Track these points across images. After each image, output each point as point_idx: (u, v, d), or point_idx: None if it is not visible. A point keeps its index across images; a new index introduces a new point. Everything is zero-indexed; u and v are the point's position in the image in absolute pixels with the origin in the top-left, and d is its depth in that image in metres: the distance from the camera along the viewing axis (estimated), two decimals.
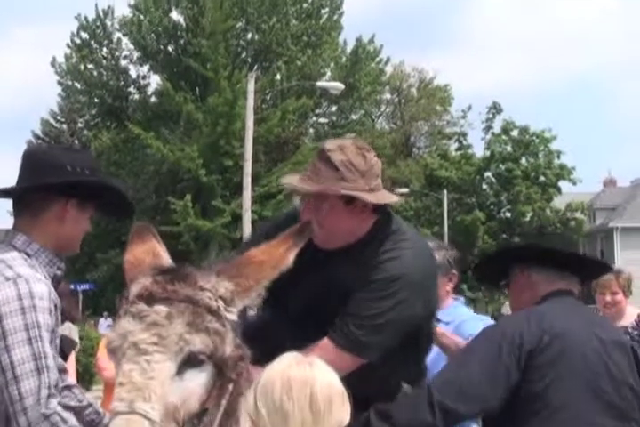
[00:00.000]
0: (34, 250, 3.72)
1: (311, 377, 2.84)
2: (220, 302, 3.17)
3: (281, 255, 3.37)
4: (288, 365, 2.88)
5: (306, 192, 4.06)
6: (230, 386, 3.08)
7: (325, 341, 3.87)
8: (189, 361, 3.00)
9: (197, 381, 3.00)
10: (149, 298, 3.10)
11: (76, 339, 9.09)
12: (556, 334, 4.14)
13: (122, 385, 2.93)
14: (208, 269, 3.30)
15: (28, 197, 3.78)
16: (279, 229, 3.49)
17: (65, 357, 8.24)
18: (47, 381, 3.48)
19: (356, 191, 3.99)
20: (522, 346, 4.10)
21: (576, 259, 4.75)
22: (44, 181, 3.71)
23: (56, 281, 3.80)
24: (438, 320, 5.05)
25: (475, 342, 4.46)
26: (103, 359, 8.64)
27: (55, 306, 3.63)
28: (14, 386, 3.44)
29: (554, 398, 4.08)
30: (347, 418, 2.84)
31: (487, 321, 5.40)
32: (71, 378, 8.52)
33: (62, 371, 3.84)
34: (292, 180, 4.14)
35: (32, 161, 3.83)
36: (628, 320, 7.43)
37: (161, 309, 3.05)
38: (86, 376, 23.43)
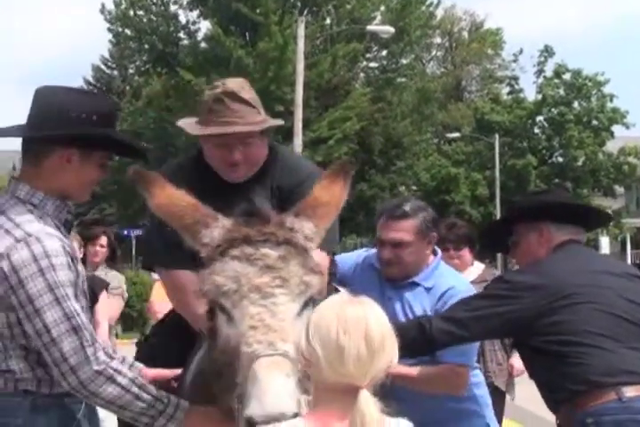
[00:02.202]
0: (38, 199, 3.68)
1: (365, 315, 2.89)
2: (309, 242, 3.32)
3: (340, 195, 3.61)
4: (341, 303, 2.93)
5: (251, 129, 4.22)
6: None
7: None
8: (307, 302, 3.15)
9: (307, 318, 3.07)
10: (248, 241, 3.19)
11: (114, 284, 9.07)
12: (560, 281, 4.41)
13: (254, 328, 3.01)
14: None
15: (29, 144, 3.75)
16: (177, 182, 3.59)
17: (95, 297, 8.27)
18: (87, 337, 3.47)
19: (273, 121, 4.49)
20: (527, 298, 4.39)
21: (581, 210, 5.08)
22: (41, 132, 3.67)
23: (68, 226, 3.79)
24: (418, 284, 5.11)
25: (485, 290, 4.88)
26: (157, 303, 8.65)
27: (72, 258, 3.59)
28: (54, 348, 3.43)
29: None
30: (396, 357, 2.92)
31: (471, 288, 5.36)
32: (103, 320, 8.62)
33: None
34: (196, 127, 4.34)
35: (38, 104, 3.76)
36: None
37: (269, 251, 3.16)
38: (140, 321, 23.70)
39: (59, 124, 3.63)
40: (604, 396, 4.10)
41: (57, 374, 3.45)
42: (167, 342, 4.24)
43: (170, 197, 3.48)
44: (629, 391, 4.08)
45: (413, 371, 4.87)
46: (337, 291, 4.17)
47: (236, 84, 4.36)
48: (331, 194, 3.58)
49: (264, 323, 3.03)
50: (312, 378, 2.89)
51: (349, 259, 5.41)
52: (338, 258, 5.46)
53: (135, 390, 3.46)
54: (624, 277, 4.58)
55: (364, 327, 2.84)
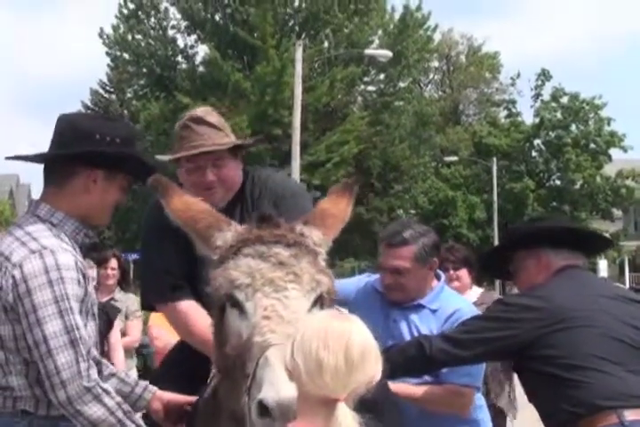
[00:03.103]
0: (58, 219, 3.71)
1: (348, 330, 2.88)
2: (318, 247, 3.43)
3: (345, 209, 3.78)
4: (326, 318, 2.94)
5: (217, 149, 4.34)
6: None
7: None
8: (317, 300, 3.26)
9: None
10: (261, 241, 3.30)
11: (133, 307, 9.10)
12: (559, 306, 4.41)
13: (268, 318, 3.10)
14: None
15: (54, 165, 3.78)
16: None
17: (111, 324, 8.33)
18: (83, 353, 3.48)
19: (240, 140, 4.61)
20: (524, 322, 4.40)
21: (580, 235, 5.01)
22: (67, 151, 3.72)
23: (85, 249, 3.83)
24: (423, 306, 5.12)
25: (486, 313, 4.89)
26: (155, 328, 8.60)
27: (84, 275, 3.63)
28: (50, 360, 3.44)
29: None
30: (378, 375, 2.91)
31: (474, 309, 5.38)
32: (119, 346, 8.62)
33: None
34: (168, 155, 4.56)
35: (62, 128, 3.81)
36: None
37: (281, 250, 3.26)
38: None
39: (85, 146, 3.68)
40: (606, 419, 4.08)
41: (47, 387, 3.45)
42: (175, 381, 4.18)
43: (186, 203, 3.62)
44: (630, 415, 4.06)
45: (418, 391, 4.89)
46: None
47: (202, 110, 4.56)
48: (337, 207, 3.73)
49: (277, 314, 3.10)
50: (297, 390, 2.87)
51: (350, 284, 5.43)
52: (337, 282, 5.48)
53: (120, 414, 3.47)
54: (621, 301, 4.58)
55: (344, 342, 2.84)
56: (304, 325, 2.93)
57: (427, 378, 4.95)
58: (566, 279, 4.66)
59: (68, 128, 3.78)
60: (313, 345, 2.83)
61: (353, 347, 2.86)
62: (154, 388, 3.93)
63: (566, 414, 4.21)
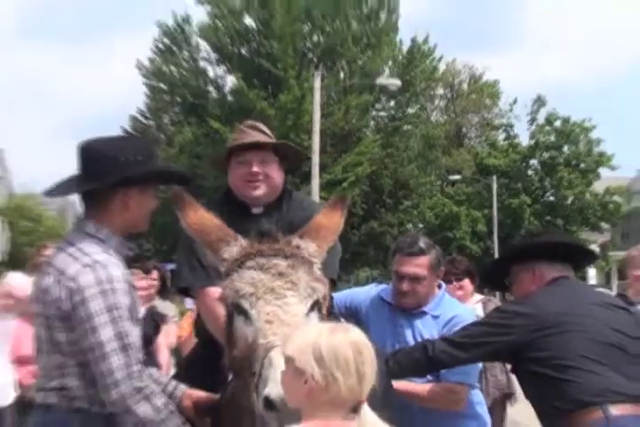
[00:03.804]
0: (104, 235, 3.75)
1: (365, 339, 2.93)
2: (313, 258, 3.48)
3: (338, 221, 3.81)
4: (341, 331, 2.91)
5: (261, 142, 4.49)
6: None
7: None
8: (314, 305, 3.30)
9: (315, 320, 3.28)
10: (261, 254, 3.37)
11: (171, 313, 9.15)
12: (552, 312, 4.43)
13: (270, 322, 3.15)
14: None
15: (90, 191, 3.81)
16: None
17: (158, 328, 8.41)
18: (133, 356, 3.52)
19: (284, 141, 4.73)
20: (521, 327, 4.43)
21: (570, 249, 4.99)
22: (100, 180, 3.71)
23: (127, 261, 3.87)
24: (426, 313, 5.15)
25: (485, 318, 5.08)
26: (186, 335, 8.59)
27: (131, 286, 3.68)
28: (103, 363, 3.47)
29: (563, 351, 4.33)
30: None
31: (473, 315, 5.49)
32: (164, 347, 8.65)
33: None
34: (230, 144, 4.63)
35: (87, 156, 3.81)
36: None
37: (280, 262, 3.32)
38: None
39: (114, 170, 3.69)
40: (592, 414, 4.11)
41: (101, 387, 3.49)
42: (198, 375, 4.22)
43: (200, 218, 3.69)
44: (614, 410, 4.09)
45: (417, 388, 4.93)
46: (334, 317, 4.30)
47: (255, 122, 4.70)
48: (330, 219, 3.77)
49: (279, 318, 3.19)
50: (312, 397, 2.84)
51: (362, 293, 5.47)
52: (351, 291, 5.59)
53: (165, 413, 3.51)
54: (607, 308, 4.60)
55: (369, 350, 2.90)
56: (320, 340, 2.88)
57: (429, 377, 4.99)
58: (557, 288, 4.69)
59: (92, 156, 3.77)
60: (349, 356, 2.83)
61: (372, 356, 2.91)
62: (184, 386, 3.95)
63: (557, 409, 4.24)
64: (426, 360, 4.57)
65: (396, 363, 4.61)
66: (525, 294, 4.77)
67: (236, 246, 3.55)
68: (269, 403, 2.98)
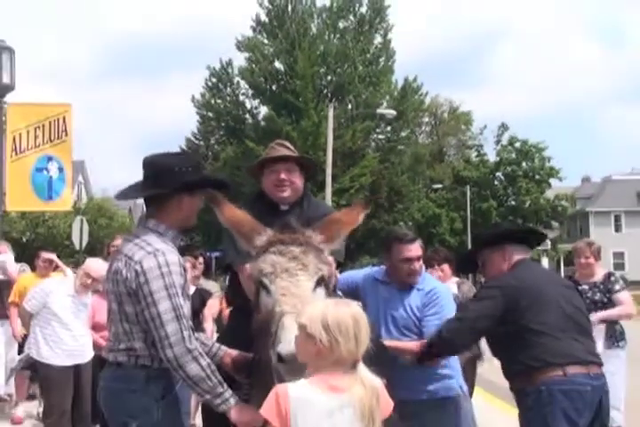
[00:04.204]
0: (163, 229, 3.74)
1: (362, 312, 2.99)
2: (322, 245, 3.49)
3: (355, 217, 3.75)
4: (343, 306, 2.98)
5: (287, 156, 4.49)
6: (330, 297, 3.40)
7: None
8: (318, 282, 3.31)
9: (321, 295, 3.32)
10: (282, 242, 3.40)
11: (214, 290, 9.15)
12: (529, 285, 4.35)
13: (284, 295, 3.20)
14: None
15: (152, 198, 3.81)
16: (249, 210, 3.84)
17: (205, 303, 8.38)
18: (185, 324, 3.49)
19: (306, 156, 4.76)
20: (509, 296, 4.30)
21: (528, 233, 4.91)
22: (160, 187, 3.72)
23: (181, 249, 3.91)
24: (412, 288, 5.05)
25: (477, 294, 4.75)
26: (227, 309, 8.57)
27: (184, 269, 3.66)
28: (162, 329, 3.46)
29: (535, 322, 4.24)
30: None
31: (447, 289, 5.42)
32: (209, 318, 8.62)
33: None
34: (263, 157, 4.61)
35: (150, 167, 3.81)
36: (596, 277, 7.53)
37: (295, 249, 3.35)
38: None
39: (170, 178, 3.70)
40: (554, 372, 4.09)
41: (159, 348, 3.47)
42: (236, 336, 4.19)
43: (234, 213, 3.72)
44: (572, 369, 4.09)
45: (408, 345, 4.83)
46: (336, 294, 4.25)
47: (282, 140, 4.72)
48: (349, 216, 3.74)
49: (290, 292, 3.25)
50: (326, 358, 2.90)
51: (359, 274, 5.41)
52: (350, 272, 5.55)
53: (208, 372, 3.46)
54: (567, 287, 4.58)
55: (365, 321, 2.96)
56: (330, 312, 2.94)
57: (414, 336, 4.92)
58: (529, 267, 4.62)
59: (153, 167, 3.79)
60: (349, 325, 2.90)
61: (367, 323, 2.98)
62: (225, 347, 3.93)
63: (525, 366, 4.19)
64: (443, 342, 4.45)
65: (429, 351, 4.57)
66: (497, 273, 4.65)
67: (264, 236, 3.56)
68: (280, 357, 3.05)
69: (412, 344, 4.82)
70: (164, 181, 3.70)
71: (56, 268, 9.94)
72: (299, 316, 3.01)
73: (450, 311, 4.93)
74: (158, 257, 3.55)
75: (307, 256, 3.38)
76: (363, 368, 2.99)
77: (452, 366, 5.18)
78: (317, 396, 2.88)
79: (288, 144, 4.66)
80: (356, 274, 5.45)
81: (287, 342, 3.02)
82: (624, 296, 7.29)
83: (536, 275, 4.56)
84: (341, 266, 4.53)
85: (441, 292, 5.03)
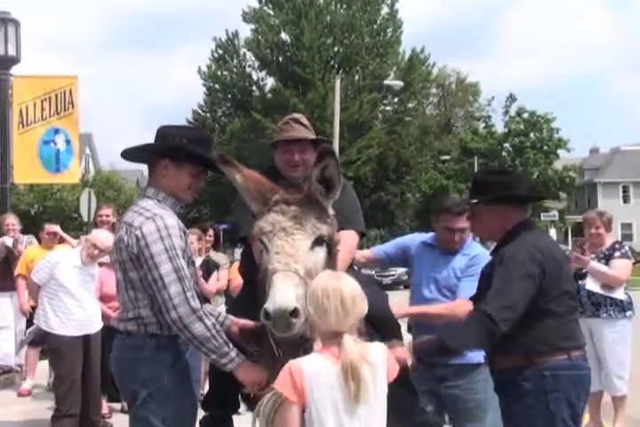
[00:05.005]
0: (162, 197, 3.77)
1: (340, 285, 3.05)
2: (325, 203, 3.47)
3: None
4: (325, 278, 3.09)
5: (303, 138, 4.37)
6: (333, 258, 3.44)
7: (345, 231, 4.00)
8: (317, 241, 3.30)
9: (321, 254, 3.32)
10: (285, 202, 3.39)
11: (223, 262, 9.16)
12: (549, 258, 3.91)
13: (278, 254, 3.21)
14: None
15: (148, 162, 3.86)
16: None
17: (210, 273, 8.40)
18: (188, 285, 3.51)
19: (319, 137, 4.56)
20: (542, 273, 3.84)
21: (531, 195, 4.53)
22: (140, 147, 3.84)
23: (189, 221, 3.87)
24: (458, 253, 5.18)
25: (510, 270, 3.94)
26: (234, 280, 8.56)
27: (184, 231, 3.67)
28: (164, 291, 3.47)
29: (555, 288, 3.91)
30: (365, 310, 3.09)
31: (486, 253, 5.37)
32: (214, 286, 8.64)
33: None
34: (279, 137, 4.45)
35: (155, 135, 3.86)
36: (605, 247, 7.46)
37: (296, 208, 3.34)
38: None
39: (162, 147, 3.78)
40: (560, 355, 3.83)
41: (164, 311, 3.48)
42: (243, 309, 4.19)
43: (247, 173, 3.63)
44: (575, 353, 3.88)
45: (435, 308, 4.96)
46: (354, 271, 4.23)
47: (299, 115, 4.57)
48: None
49: (284, 250, 3.24)
50: (314, 328, 3.09)
51: (410, 239, 5.56)
52: (401, 238, 5.69)
53: (214, 332, 3.47)
54: (566, 259, 4.23)
55: (339, 293, 3.02)
56: (312, 283, 3.08)
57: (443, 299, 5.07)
58: (540, 235, 4.20)
59: (156, 135, 3.85)
60: (319, 298, 3.02)
61: (345, 296, 3.03)
62: (232, 317, 3.93)
63: (524, 347, 3.84)
64: (490, 334, 3.74)
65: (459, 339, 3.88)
66: (489, 233, 4.27)
67: (276, 195, 3.53)
68: (267, 314, 3.06)
69: (436, 307, 4.94)
70: (157, 149, 3.79)
71: (62, 240, 9.99)
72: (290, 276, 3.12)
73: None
74: (157, 221, 3.57)
75: (306, 216, 3.36)
76: (347, 341, 3.03)
77: None
78: (328, 367, 2.98)
79: (304, 120, 4.54)
80: (406, 239, 5.60)
81: (274, 299, 3.04)
82: (619, 263, 7.22)
83: (549, 245, 4.08)
84: (364, 236, 4.47)
85: (484, 258, 4.94)
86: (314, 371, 2.96)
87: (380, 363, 3.11)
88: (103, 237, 7.35)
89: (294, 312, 3.03)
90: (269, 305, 3.04)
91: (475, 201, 4.24)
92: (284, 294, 3.04)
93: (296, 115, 4.57)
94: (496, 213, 4.12)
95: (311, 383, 2.94)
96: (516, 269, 3.83)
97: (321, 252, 3.35)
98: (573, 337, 3.94)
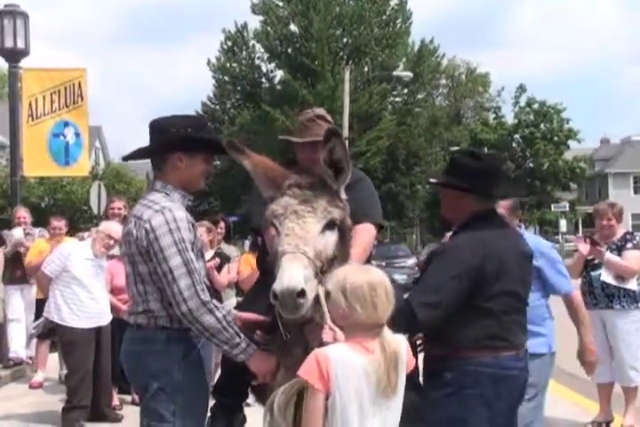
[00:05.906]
0: (170, 190, 3.76)
1: (380, 278, 3.09)
2: (336, 187, 3.49)
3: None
4: (360, 272, 3.10)
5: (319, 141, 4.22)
6: (346, 243, 3.45)
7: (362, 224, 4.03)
8: (329, 225, 3.31)
9: (332, 238, 3.32)
10: (297, 186, 3.41)
11: (233, 254, 9.17)
12: (492, 255, 3.69)
13: (288, 236, 3.22)
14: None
15: (154, 157, 3.84)
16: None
17: (221, 266, 8.41)
18: (198, 278, 3.51)
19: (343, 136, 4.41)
20: (474, 266, 3.66)
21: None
22: (148, 148, 3.81)
23: (199, 214, 3.86)
24: None
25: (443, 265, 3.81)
26: (243, 272, 8.56)
27: (192, 224, 3.66)
28: (174, 284, 3.46)
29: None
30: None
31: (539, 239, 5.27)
32: (224, 279, 8.65)
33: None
34: (297, 137, 4.39)
35: (151, 129, 3.83)
36: (616, 237, 7.44)
37: (308, 192, 3.37)
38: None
39: (165, 138, 3.75)
40: (485, 354, 3.70)
41: (174, 304, 3.48)
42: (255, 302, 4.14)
43: (259, 159, 3.65)
44: (503, 353, 3.71)
45: None
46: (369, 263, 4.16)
47: (323, 111, 4.54)
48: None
49: (294, 232, 3.24)
50: (348, 321, 3.06)
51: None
52: None
53: (224, 323, 3.48)
54: (520, 259, 3.92)
55: (384, 287, 3.06)
56: (346, 277, 3.07)
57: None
58: (491, 224, 3.92)
59: (153, 130, 3.82)
60: (366, 294, 3.02)
61: (388, 289, 3.07)
62: (234, 311, 3.92)
63: (452, 347, 3.74)
64: (411, 326, 3.62)
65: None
66: (449, 216, 4.04)
67: (288, 181, 3.54)
68: (275, 295, 3.06)
69: None
70: (160, 140, 3.76)
71: (70, 233, 10.07)
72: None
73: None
74: (166, 214, 3.56)
75: (317, 199, 3.37)
76: (387, 333, 3.07)
77: (547, 325, 5.27)
78: (356, 357, 3.00)
79: (327, 116, 4.47)
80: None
81: (281, 280, 3.04)
82: (632, 254, 7.20)
83: (498, 240, 3.82)
84: (382, 228, 4.45)
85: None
86: (341, 359, 2.97)
87: (405, 355, 3.15)
88: (117, 227, 7.38)
89: (302, 293, 3.03)
90: (277, 286, 3.04)
91: (433, 180, 4.28)
92: (291, 274, 3.04)
93: (318, 111, 4.53)
94: (451, 197, 3.98)
95: (337, 370, 2.96)
96: (452, 265, 3.70)
97: (332, 235, 3.34)
98: (507, 337, 3.75)
